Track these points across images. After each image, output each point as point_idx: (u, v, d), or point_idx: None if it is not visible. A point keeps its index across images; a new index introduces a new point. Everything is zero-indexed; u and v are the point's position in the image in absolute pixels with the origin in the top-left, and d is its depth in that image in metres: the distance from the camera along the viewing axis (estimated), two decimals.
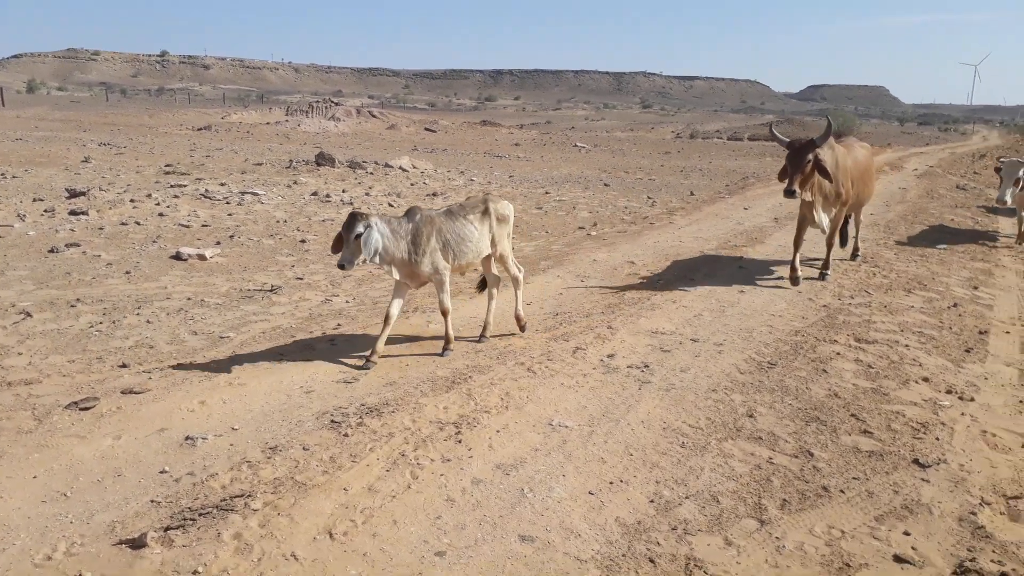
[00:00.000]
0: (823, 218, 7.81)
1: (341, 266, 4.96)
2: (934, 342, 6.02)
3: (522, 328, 6.06)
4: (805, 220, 7.89)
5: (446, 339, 5.58)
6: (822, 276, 8.06)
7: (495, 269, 6.05)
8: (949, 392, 4.97)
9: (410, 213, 5.42)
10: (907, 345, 5.91)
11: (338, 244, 5.12)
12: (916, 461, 3.97)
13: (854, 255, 9.10)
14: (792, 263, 7.80)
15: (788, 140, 7.35)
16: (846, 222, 8.98)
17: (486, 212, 5.69)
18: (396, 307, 5.42)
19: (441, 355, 5.50)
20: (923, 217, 13.00)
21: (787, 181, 7.15)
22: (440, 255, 5.37)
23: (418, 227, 5.28)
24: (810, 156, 7.09)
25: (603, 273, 8.46)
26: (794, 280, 7.69)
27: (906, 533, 3.32)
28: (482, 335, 5.94)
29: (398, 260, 5.23)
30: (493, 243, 5.77)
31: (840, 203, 7.92)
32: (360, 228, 4.94)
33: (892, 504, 3.56)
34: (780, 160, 8.18)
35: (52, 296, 6.92)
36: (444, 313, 5.53)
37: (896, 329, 6.31)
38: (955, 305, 7.10)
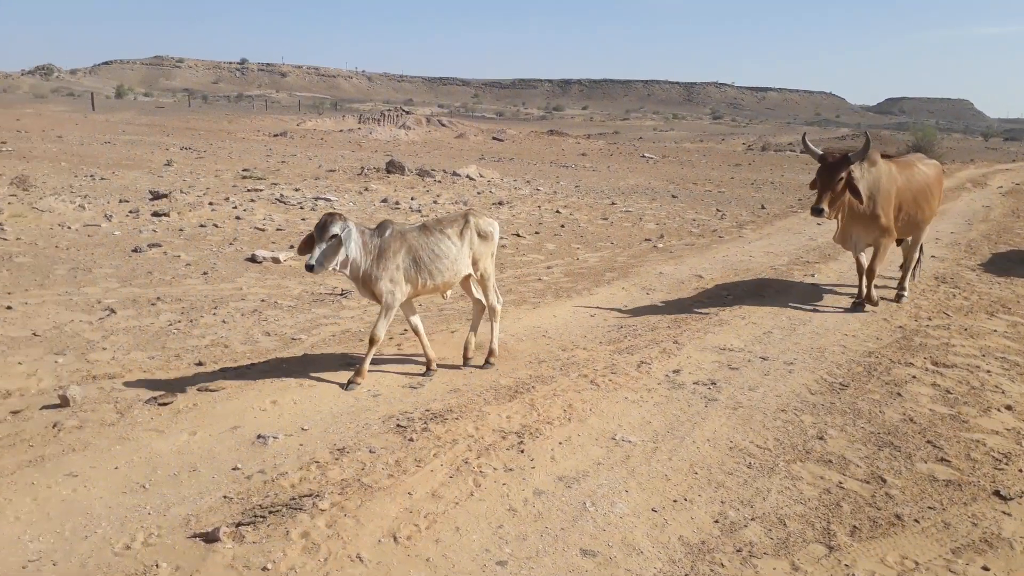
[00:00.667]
0: (856, 243, 7.25)
1: (310, 267, 4.59)
2: (1018, 368, 5.76)
3: (487, 362, 5.49)
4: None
5: (358, 371, 5.02)
6: (855, 307, 7.35)
7: (476, 292, 5.60)
8: None
9: (381, 227, 5.06)
10: (989, 371, 5.67)
11: (307, 245, 4.74)
12: (997, 493, 3.81)
13: (899, 295, 7.77)
14: (866, 288, 7.33)
15: (821, 153, 6.89)
16: (919, 249, 8.15)
17: (466, 227, 5.28)
18: (416, 319, 5.26)
19: (346, 387, 4.93)
20: (1007, 237, 12.46)
21: (815, 198, 6.70)
22: (402, 278, 4.96)
23: (386, 243, 4.93)
24: (843, 173, 6.62)
25: (669, 286, 8.37)
26: (870, 303, 7.31)
27: (985, 568, 3.19)
28: (488, 359, 5.53)
29: (361, 274, 4.90)
30: (475, 263, 5.36)
31: (880, 228, 7.13)
32: (337, 229, 4.63)
33: (970, 537, 3.42)
34: None
35: (135, 294, 7.22)
36: (372, 341, 4.99)
37: (977, 354, 6.06)
38: None
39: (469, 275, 5.42)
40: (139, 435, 4.16)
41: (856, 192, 6.68)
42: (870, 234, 7.20)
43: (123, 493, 3.55)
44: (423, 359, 5.38)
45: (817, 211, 6.62)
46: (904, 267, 7.82)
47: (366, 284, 4.96)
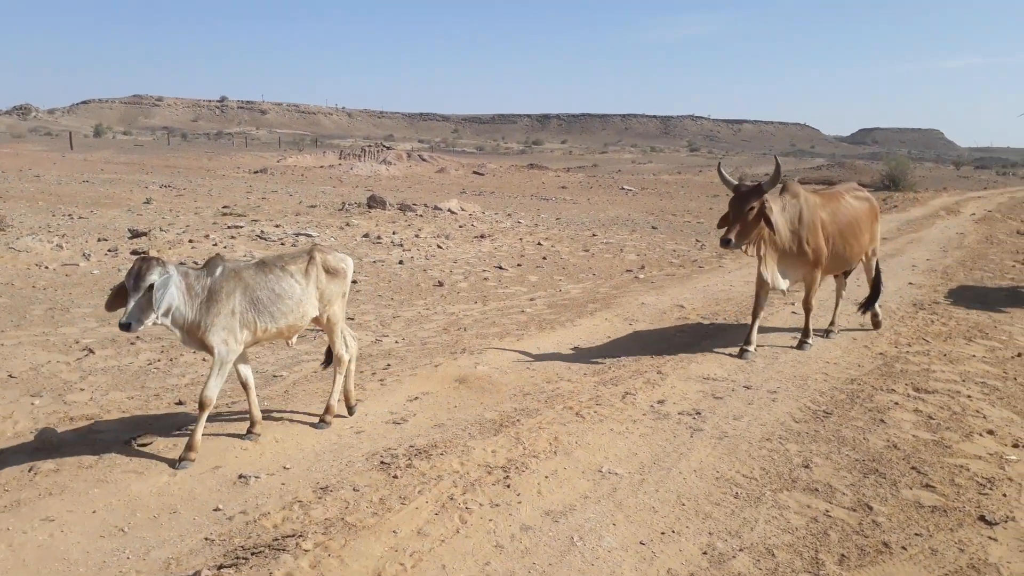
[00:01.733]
0: (777, 278, 6.71)
1: (125, 326, 3.89)
2: (998, 393, 5.81)
3: (323, 421, 4.89)
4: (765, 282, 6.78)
5: (189, 445, 4.30)
6: (800, 345, 7.02)
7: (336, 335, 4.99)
8: (1016, 446, 4.78)
9: (210, 265, 4.38)
10: (969, 396, 5.72)
11: (119, 299, 4.07)
12: (982, 518, 3.82)
13: (827, 332, 7.52)
14: (748, 333, 6.85)
15: (735, 183, 6.50)
16: (877, 276, 7.84)
17: (311, 263, 4.72)
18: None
19: (176, 466, 4.21)
20: (982, 263, 12.66)
21: (725, 229, 6.25)
22: (238, 324, 4.32)
23: (217, 284, 4.28)
24: (753, 203, 6.20)
25: (652, 316, 8.40)
26: (741, 352, 6.72)
27: None
28: (322, 417, 4.92)
29: (187, 324, 4.21)
30: (322, 303, 4.78)
31: (808, 263, 6.81)
32: (154, 276, 3.95)
33: (957, 563, 3.42)
34: None
35: (113, 333, 7.13)
36: (203, 404, 4.29)
37: (957, 379, 6.12)
38: (1020, 355, 6.86)
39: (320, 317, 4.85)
40: (118, 477, 4.08)
41: (770, 223, 6.30)
42: (797, 270, 6.85)
43: (101, 537, 3.48)
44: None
45: (725, 242, 6.17)
46: (805, 310, 7.20)
47: (192, 334, 4.26)
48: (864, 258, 7.75)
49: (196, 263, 10.74)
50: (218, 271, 4.34)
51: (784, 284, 6.83)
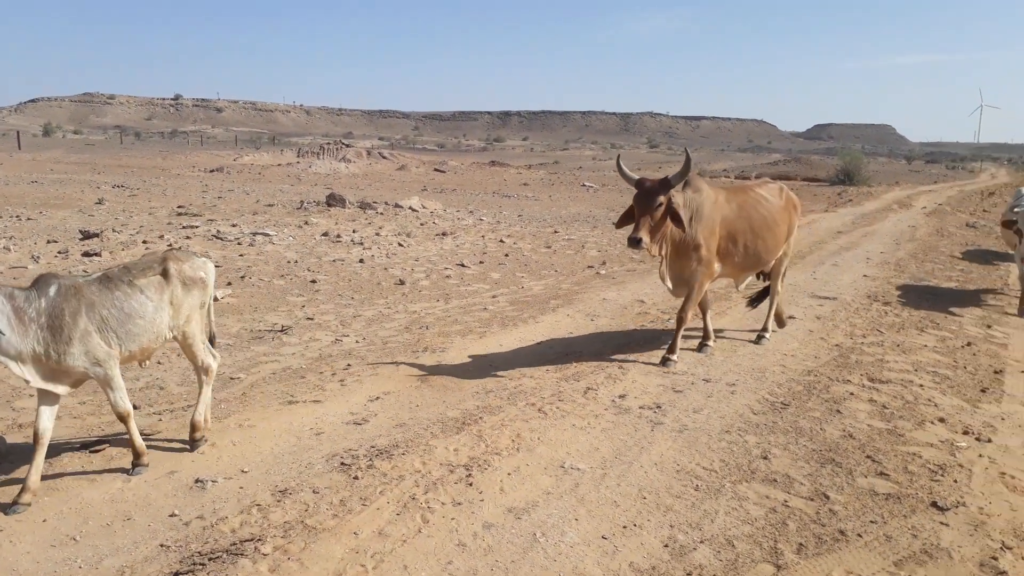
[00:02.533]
0: (671, 280, 6.29)
1: None
2: (949, 382, 5.96)
3: (194, 440, 4.42)
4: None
5: (135, 452, 4.11)
6: (700, 347, 6.77)
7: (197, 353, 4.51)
8: (966, 433, 4.91)
9: (41, 283, 3.77)
10: (921, 385, 5.85)
11: None
12: (934, 504, 3.91)
13: (759, 337, 7.09)
14: (673, 339, 6.45)
15: (637, 178, 6.05)
16: (770, 290, 7.38)
17: (166, 276, 4.19)
18: (47, 419, 3.80)
19: (130, 473, 4.07)
20: (933, 255, 12.98)
21: (632, 227, 5.79)
22: (98, 338, 3.82)
23: (55, 306, 3.70)
24: (662, 198, 5.75)
25: (613, 312, 8.45)
26: (664, 361, 6.34)
27: None
28: (192, 437, 4.44)
29: (29, 354, 3.64)
30: (178, 316, 4.27)
31: (697, 261, 6.21)
32: None
33: (911, 548, 3.49)
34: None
35: None
36: (123, 418, 4.00)
37: (910, 369, 6.26)
38: (969, 344, 7.04)
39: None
40: (69, 484, 3.97)
41: (678, 220, 5.83)
42: (687, 268, 6.27)
43: (52, 547, 3.38)
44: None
45: (634, 242, 5.64)
46: (769, 305, 7.20)
47: (42, 365, 3.71)
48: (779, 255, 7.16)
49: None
50: (52, 290, 3.74)
51: (671, 283, 6.34)
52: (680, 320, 6.39)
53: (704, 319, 6.81)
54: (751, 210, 6.62)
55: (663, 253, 6.09)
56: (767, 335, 7.06)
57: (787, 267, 7.39)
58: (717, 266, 6.44)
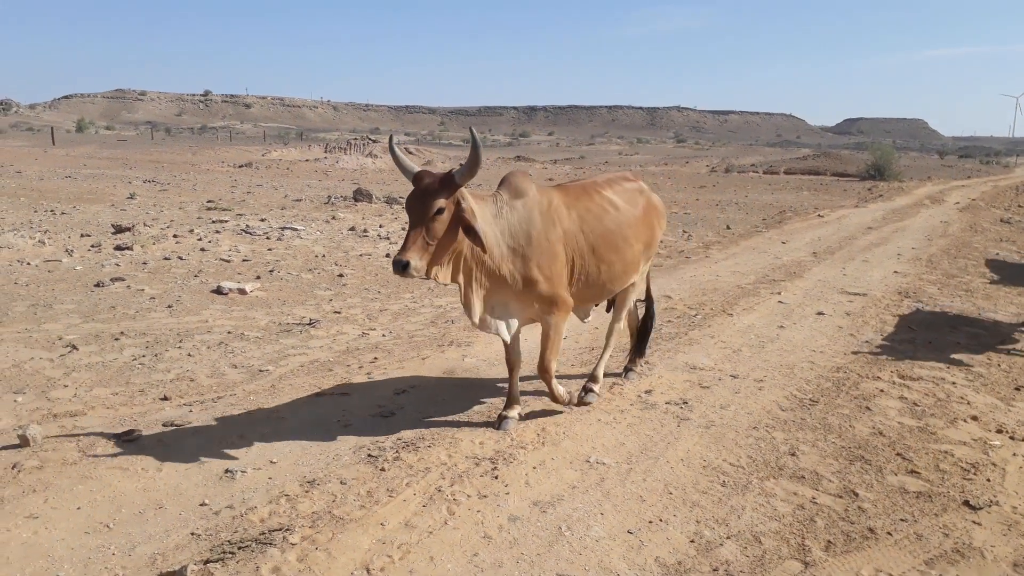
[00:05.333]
0: (493, 321, 4.49)
1: None
2: (982, 379, 5.86)
3: None
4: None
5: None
6: (500, 422, 4.74)
7: None
8: (999, 431, 4.82)
9: None
10: (954, 382, 5.76)
11: None
12: (967, 503, 3.85)
13: (626, 370, 5.76)
14: (547, 387, 4.90)
15: (416, 169, 4.25)
16: (649, 304, 5.88)
17: None
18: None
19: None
20: (967, 251, 12.76)
21: (401, 244, 4.15)
22: None
23: None
24: (439, 202, 4.01)
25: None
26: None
27: None
28: None
29: None
30: None
31: (539, 296, 4.47)
32: None
33: (942, 547, 3.44)
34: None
35: (97, 329, 7.07)
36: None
37: (942, 366, 6.16)
38: (1003, 341, 6.92)
39: None
40: (102, 473, 4.04)
41: (472, 233, 4.08)
42: (526, 306, 4.55)
43: (86, 534, 3.45)
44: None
45: (400, 266, 3.88)
46: (604, 346, 5.47)
47: None
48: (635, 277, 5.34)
49: (181, 258, 10.67)
50: None
51: (508, 329, 4.57)
52: (543, 368, 4.74)
53: (512, 378, 4.85)
54: (594, 222, 4.80)
55: (459, 281, 4.29)
56: (595, 388, 5.18)
57: (644, 291, 5.81)
58: (568, 296, 4.69)
